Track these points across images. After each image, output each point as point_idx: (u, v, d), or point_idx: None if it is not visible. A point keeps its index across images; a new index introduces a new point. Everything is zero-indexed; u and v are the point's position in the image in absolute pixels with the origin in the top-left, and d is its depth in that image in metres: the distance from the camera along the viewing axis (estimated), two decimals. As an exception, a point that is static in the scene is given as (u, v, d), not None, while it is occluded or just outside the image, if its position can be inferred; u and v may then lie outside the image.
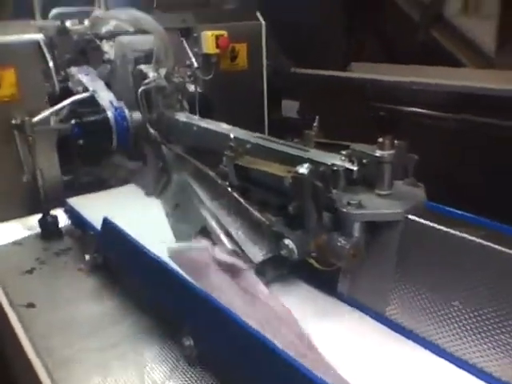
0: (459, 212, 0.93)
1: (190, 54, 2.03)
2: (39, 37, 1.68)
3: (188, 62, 2.07)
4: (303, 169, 0.94)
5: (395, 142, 0.95)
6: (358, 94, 2.71)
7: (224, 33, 2.01)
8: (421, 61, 2.81)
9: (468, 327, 0.83)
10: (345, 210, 0.92)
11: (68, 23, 1.75)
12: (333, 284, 1.06)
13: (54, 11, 1.92)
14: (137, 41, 1.69)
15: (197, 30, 2.03)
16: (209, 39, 1.98)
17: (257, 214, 1.07)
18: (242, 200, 1.14)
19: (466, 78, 2.59)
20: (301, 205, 0.97)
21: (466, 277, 0.82)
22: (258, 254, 1.07)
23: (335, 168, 0.99)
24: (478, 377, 0.82)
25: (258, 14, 2.20)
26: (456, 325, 0.85)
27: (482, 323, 0.82)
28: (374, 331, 0.95)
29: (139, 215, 1.54)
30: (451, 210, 0.96)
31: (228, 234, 1.18)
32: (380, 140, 0.94)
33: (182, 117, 1.57)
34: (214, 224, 1.27)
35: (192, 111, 1.79)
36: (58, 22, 1.75)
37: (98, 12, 1.75)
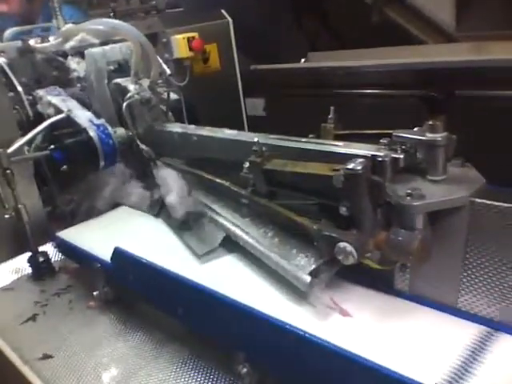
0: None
1: (161, 61, 1.92)
2: (1, 60, 1.53)
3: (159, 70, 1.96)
4: (356, 164, 0.87)
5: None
6: (323, 82, 2.67)
7: (195, 34, 1.91)
8: (378, 43, 2.81)
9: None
10: (406, 202, 0.85)
11: (31, 42, 1.60)
12: (385, 281, 1.00)
13: (9, 32, 1.76)
14: (110, 51, 1.57)
15: (165, 35, 1.92)
16: (180, 43, 1.88)
17: (301, 220, 0.99)
18: (280, 208, 1.06)
19: (430, 54, 2.61)
20: (354, 203, 0.89)
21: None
22: (307, 262, 0.99)
23: (380, 159, 0.92)
24: None
25: (224, 12, 2.11)
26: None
27: None
28: (446, 324, 0.89)
29: (144, 238, 1.42)
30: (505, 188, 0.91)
31: (263, 245, 1.09)
32: (430, 122, 0.88)
33: (176, 128, 1.46)
34: (240, 232, 1.18)
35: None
36: (18, 42, 1.59)
37: (69, 25, 1.60)
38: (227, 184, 1.25)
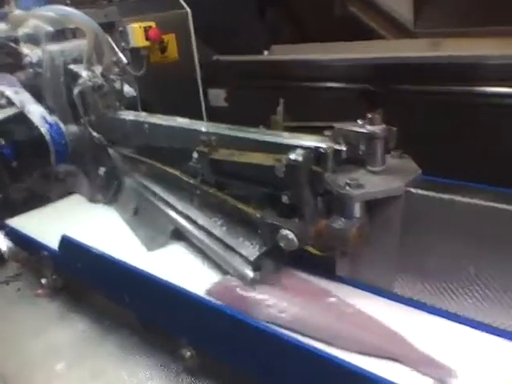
0: (455, 181, 0.93)
1: (117, 50, 1.89)
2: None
3: (114, 59, 1.93)
4: (296, 155, 0.89)
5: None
6: (282, 75, 2.69)
7: (152, 24, 1.90)
8: (340, 37, 2.84)
9: (482, 289, 0.84)
10: (344, 191, 0.88)
11: (-21, 28, 1.56)
12: (329, 268, 1.03)
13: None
14: (68, 48, 1.55)
15: (122, 24, 1.90)
16: (137, 32, 1.86)
17: (246, 209, 1.01)
18: (226, 197, 1.07)
19: (387, 49, 2.66)
20: (295, 192, 0.92)
21: (479, 241, 0.82)
22: (251, 250, 1.01)
23: (323, 150, 0.95)
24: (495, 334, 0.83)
25: (182, 2, 2.10)
26: (470, 288, 0.85)
27: (497, 284, 0.83)
28: (383, 307, 0.93)
29: (94, 226, 1.42)
30: (444, 179, 0.95)
31: (210, 234, 1.11)
32: (369, 115, 0.91)
33: (129, 115, 1.45)
34: (188, 225, 1.20)
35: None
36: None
37: (18, 11, 1.57)
38: (178, 174, 1.26)
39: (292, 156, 0.89)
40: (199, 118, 2.27)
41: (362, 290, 0.98)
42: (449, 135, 1.52)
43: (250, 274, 1.00)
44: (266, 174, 0.96)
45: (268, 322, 0.89)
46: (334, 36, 2.86)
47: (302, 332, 0.87)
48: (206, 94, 2.90)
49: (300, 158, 0.88)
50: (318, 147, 0.95)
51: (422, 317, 0.90)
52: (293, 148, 0.93)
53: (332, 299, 0.94)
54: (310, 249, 0.97)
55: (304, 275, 1.04)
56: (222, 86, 2.92)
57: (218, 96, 2.95)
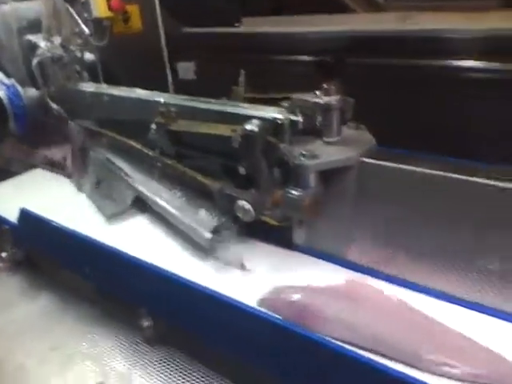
0: (411, 151, 0.95)
1: (79, 21, 1.84)
2: None
3: (76, 29, 1.89)
4: (252, 125, 0.89)
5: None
6: (253, 47, 2.66)
7: (114, -7, 1.85)
8: (312, 11, 2.82)
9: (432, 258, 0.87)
10: (299, 162, 0.89)
11: None
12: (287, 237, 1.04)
13: None
14: (21, 8, 1.50)
15: (83, -6, 1.85)
16: (99, 2, 1.81)
17: (205, 180, 1.02)
18: (185, 168, 1.07)
19: (356, 23, 2.65)
20: (252, 163, 0.92)
21: (433, 211, 0.84)
22: (210, 221, 1.01)
23: (280, 121, 0.95)
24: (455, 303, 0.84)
25: (146, -29, 2.06)
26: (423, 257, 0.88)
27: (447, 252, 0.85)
28: (337, 274, 0.94)
29: (55, 200, 1.40)
30: (399, 150, 0.97)
31: (171, 205, 1.11)
32: (325, 86, 0.92)
33: (89, 87, 1.43)
34: (148, 193, 1.19)
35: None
36: None
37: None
38: (138, 146, 1.25)
39: (248, 126, 0.89)
40: (165, 90, 2.24)
41: (318, 257, 0.99)
42: (412, 107, 1.54)
43: (208, 235, 1.00)
44: (223, 144, 0.96)
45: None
46: (305, 10, 2.84)
47: (383, 353, 0.74)
48: (174, 67, 2.85)
49: (256, 129, 0.89)
50: (275, 118, 0.96)
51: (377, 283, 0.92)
52: (249, 118, 0.93)
53: (417, 315, 0.81)
54: (267, 219, 0.98)
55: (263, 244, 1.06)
56: (191, 59, 2.88)
57: (187, 69, 2.91)
